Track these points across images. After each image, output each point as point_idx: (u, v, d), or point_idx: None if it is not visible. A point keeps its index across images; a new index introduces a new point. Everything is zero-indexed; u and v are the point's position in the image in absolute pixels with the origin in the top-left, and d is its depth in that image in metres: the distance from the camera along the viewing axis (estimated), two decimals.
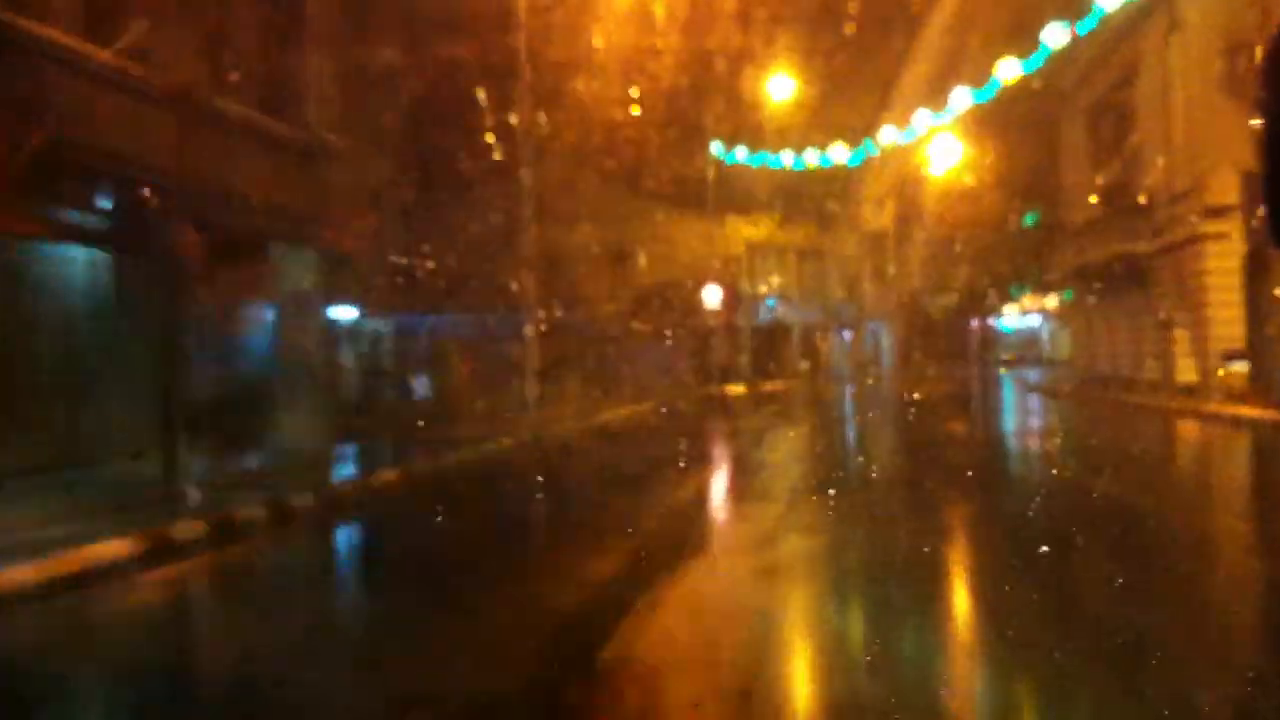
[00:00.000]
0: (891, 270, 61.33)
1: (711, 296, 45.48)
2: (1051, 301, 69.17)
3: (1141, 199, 32.99)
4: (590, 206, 47.45)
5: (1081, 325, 39.94)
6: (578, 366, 39.19)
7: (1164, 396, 28.95)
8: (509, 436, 20.58)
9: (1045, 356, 69.97)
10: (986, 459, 17.75)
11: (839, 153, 38.15)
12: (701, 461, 18.53)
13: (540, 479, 16.47)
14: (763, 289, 50.13)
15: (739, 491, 14.67)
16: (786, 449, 20.37)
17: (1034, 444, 20.71)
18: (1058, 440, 21.42)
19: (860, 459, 18.29)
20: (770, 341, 51.01)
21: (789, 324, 52.00)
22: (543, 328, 28.52)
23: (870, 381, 51.26)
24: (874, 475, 15.73)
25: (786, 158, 39.51)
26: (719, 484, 15.89)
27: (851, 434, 24.45)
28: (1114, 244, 34.29)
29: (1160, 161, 31.07)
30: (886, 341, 61.15)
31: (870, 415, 30.21)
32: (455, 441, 19.16)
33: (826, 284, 55.42)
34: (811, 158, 37.68)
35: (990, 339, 67.12)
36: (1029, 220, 58.77)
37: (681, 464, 17.57)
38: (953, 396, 39.82)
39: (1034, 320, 70.28)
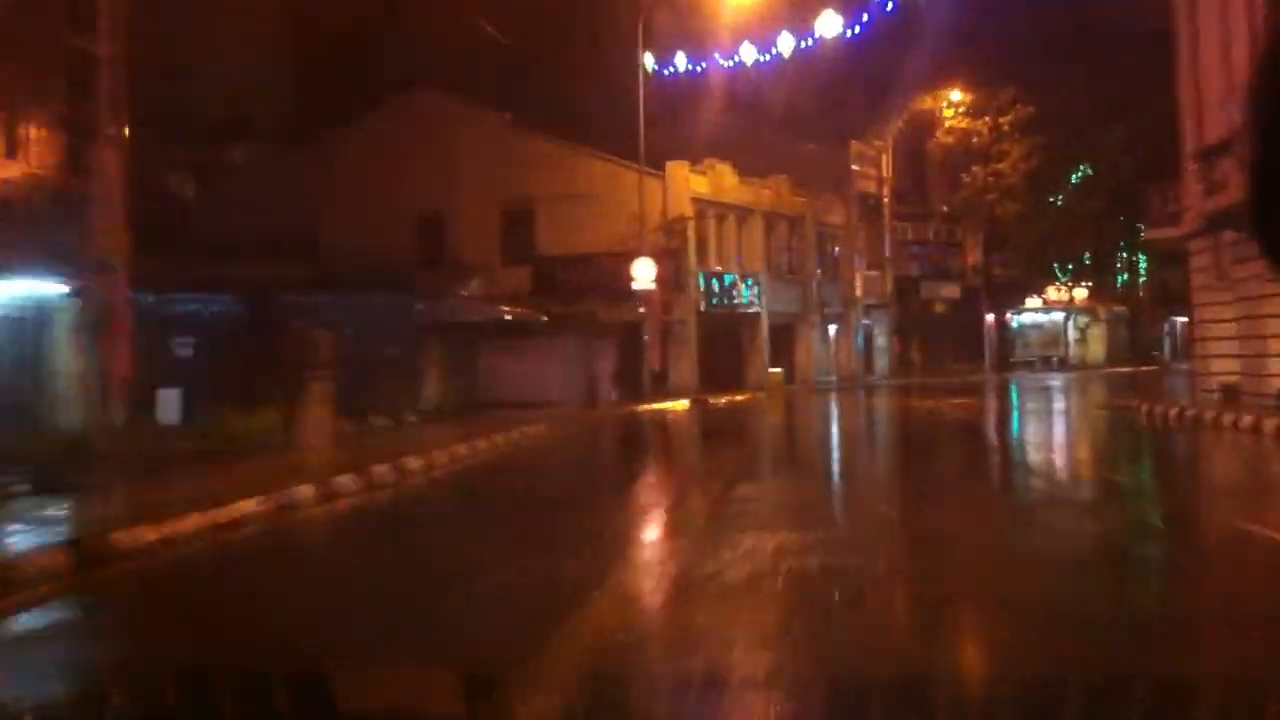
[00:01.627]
0: (889, 248, 48.09)
1: (643, 273, 32.08)
2: (1081, 292, 56.11)
3: None
4: (470, 149, 34.14)
5: (1219, 307, 26.65)
6: (436, 373, 25.73)
7: None
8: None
9: (1068, 358, 56.90)
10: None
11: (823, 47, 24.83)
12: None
13: None
14: (717, 266, 36.65)
15: None
16: (738, 580, 7.16)
17: None
18: None
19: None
20: (728, 338, 37.57)
21: (753, 314, 38.55)
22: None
23: (864, 396, 37.98)
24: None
25: (746, 53, 26.16)
26: None
27: (866, 534, 10.89)
28: None
29: None
30: (882, 339, 47.81)
31: (887, 476, 16.92)
32: None
33: (806, 261, 42.00)
34: (785, 45, 24.36)
35: (1008, 338, 53.95)
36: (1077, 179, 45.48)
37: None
38: (999, 424, 26.66)
39: (1054, 316, 57.12)
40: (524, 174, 34.24)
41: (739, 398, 34.08)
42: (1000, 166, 45.83)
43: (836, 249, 44.36)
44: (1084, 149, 43.45)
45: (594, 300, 33.26)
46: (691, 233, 34.62)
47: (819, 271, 42.68)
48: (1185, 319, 64.74)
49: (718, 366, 36.57)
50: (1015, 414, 30.04)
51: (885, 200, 47.53)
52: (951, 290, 54.11)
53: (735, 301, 37.18)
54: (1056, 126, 44.07)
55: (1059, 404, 32.65)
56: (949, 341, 53.81)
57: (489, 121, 34.72)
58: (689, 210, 34.56)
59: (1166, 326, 61.40)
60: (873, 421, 29.19)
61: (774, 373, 37.19)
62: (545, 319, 29.91)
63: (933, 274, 53.80)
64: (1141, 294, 57.18)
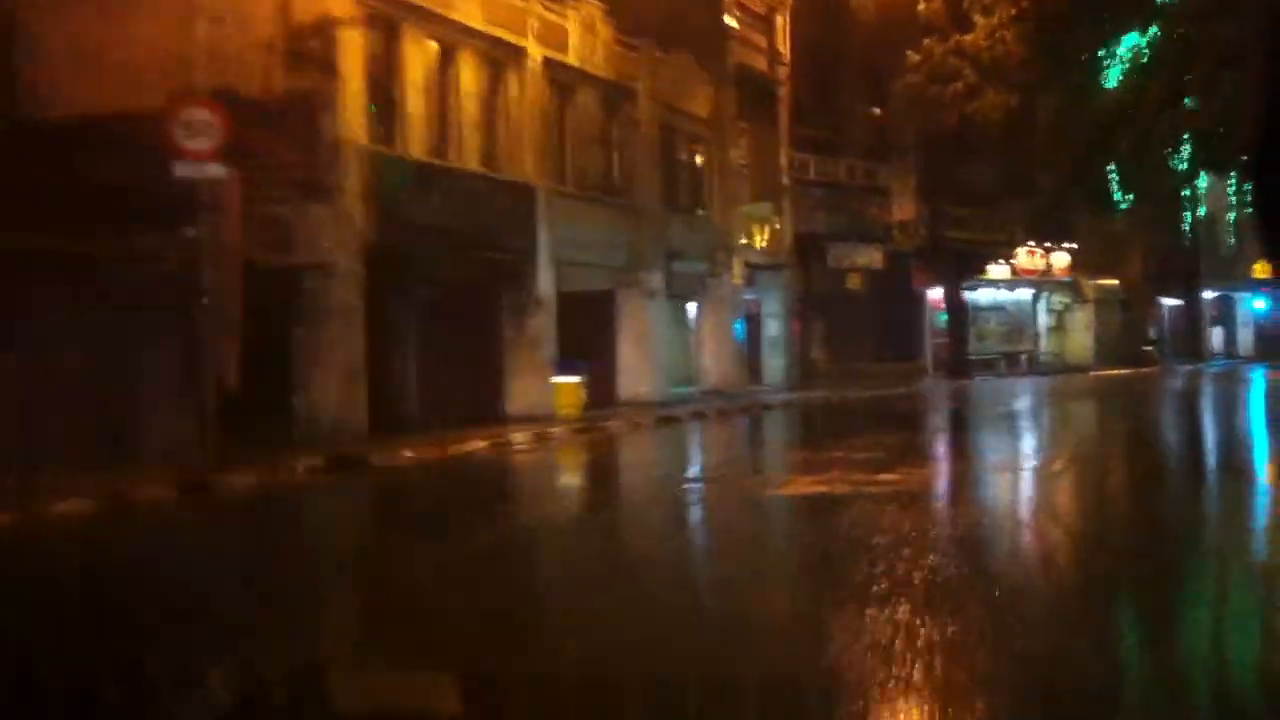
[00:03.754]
0: (785, 172, 29.36)
1: (199, 140, 12.32)
2: (1061, 259, 38.14)
3: None
4: None
5: None
6: None
7: None
8: None
9: (1038, 354, 38.97)
10: None
11: None
12: None
13: None
14: (421, 152, 16.88)
15: None
16: None
17: None
18: None
19: None
20: (457, 316, 18.12)
21: (517, 268, 18.90)
22: None
23: (733, 438, 18.93)
24: None
25: None
26: None
27: None
28: None
29: None
30: (775, 326, 28.73)
31: None
32: None
33: (640, 177, 22.73)
34: None
35: (960, 326, 35.48)
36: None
37: None
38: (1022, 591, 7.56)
39: (1021, 294, 39.00)
40: None
41: (466, 448, 14.82)
42: (970, 39, 27.24)
43: (698, 159, 25.20)
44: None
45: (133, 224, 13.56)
46: (353, 60, 15.11)
47: (666, 202, 23.52)
48: (1181, 301, 48.42)
49: (439, 375, 17.19)
50: (1034, 516, 11.34)
51: (781, 91, 28.64)
52: (872, 256, 35.54)
53: (474, 237, 17.65)
54: None
55: (1121, 475, 13.78)
56: (868, 331, 35.39)
57: None
58: (347, 8, 14.96)
59: (1161, 313, 44.14)
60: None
61: (564, 386, 17.98)
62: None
63: (846, 232, 35.14)
64: (1142, 268, 39.65)
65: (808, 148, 33.01)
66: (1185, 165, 21.24)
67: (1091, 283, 38.66)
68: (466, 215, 17.16)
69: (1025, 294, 38.56)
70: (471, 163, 17.59)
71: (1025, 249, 36.29)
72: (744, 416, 21.43)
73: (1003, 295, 37.92)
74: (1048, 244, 36.89)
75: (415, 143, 16.40)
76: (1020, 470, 13.08)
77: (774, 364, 27.71)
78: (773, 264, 28.07)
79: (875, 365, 34.72)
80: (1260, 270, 46.96)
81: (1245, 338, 47.18)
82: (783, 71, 28.40)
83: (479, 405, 17.83)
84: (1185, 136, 19.93)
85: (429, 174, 16.66)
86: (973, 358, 36.04)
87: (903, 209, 36.70)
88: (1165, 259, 40.71)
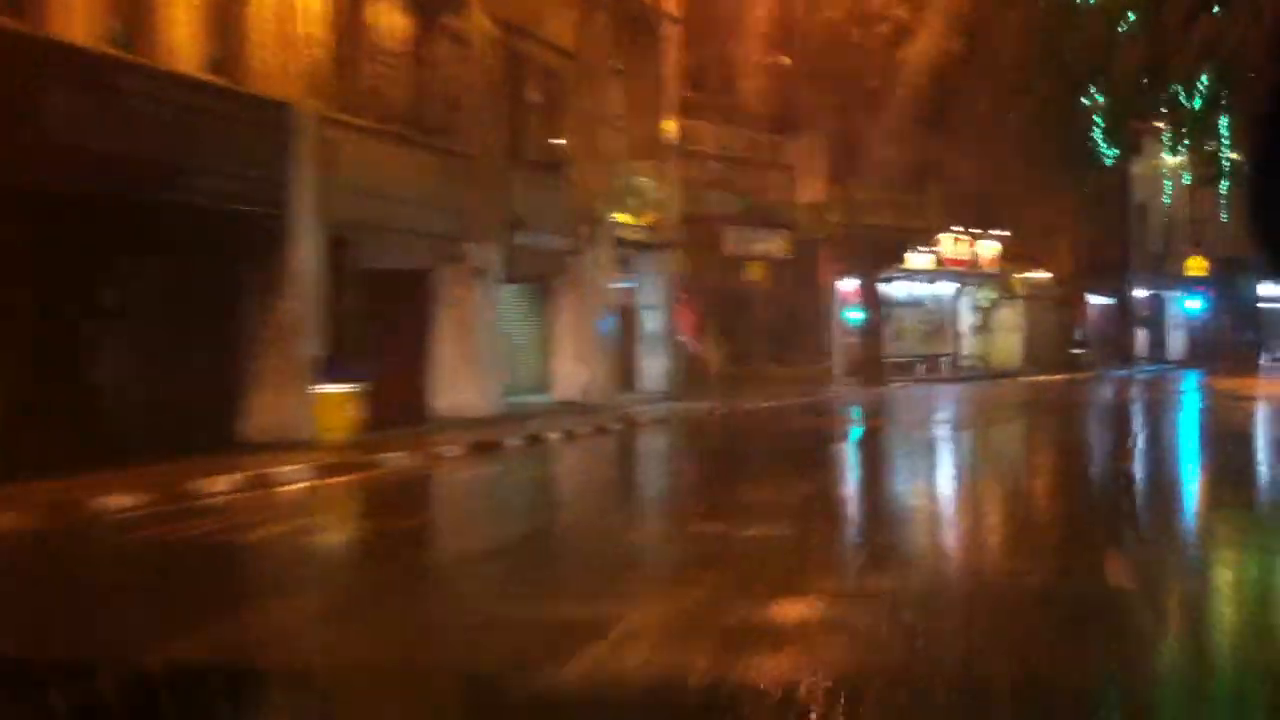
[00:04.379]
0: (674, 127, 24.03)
1: None
2: (990, 248, 33.48)
3: None
4: None
5: None
6: None
7: None
8: None
9: (959, 357, 34.33)
10: None
11: None
12: None
13: None
14: (75, 26, 10.91)
15: None
16: None
17: None
18: None
19: None
20: (190, 288, 12.17)
21: (267, 226, 12.96)
22: None
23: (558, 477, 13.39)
24: None
25: None
26: None
27: None
28: None
29: None
30: (654, 319, 23.08)
31: None
32: None
33: (470, 118, 16.97)
34: None
35: (875, 325, 30.41)
36: None
37: None
38: None
39: (942, 288, 34.27)
40: None
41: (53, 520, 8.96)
42: None
43: (555, 102, 19.53)
44: None
45: None
46: None
47: (509, 154, 17.84)
48: (1111, 300, 43.96)
49: (139, 386, 11.32)
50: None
51: (667, 30, 23.19)
52: (776, 243, 30.42)
53: (184, 176, 11.75)
54: None
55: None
56: (771, 329, 30.32)
57: None
58: None
59: (1090, 313, 39.89)
60: None
61: (329, 399, 12.30)
62: None
63: (745, 215, 29.86)
64: (1074, 261, 35.23)
65: (702, 115, 27.75)
66: (1200, 101, 16.12)
67: (1021, 277, 34.07)
68: (175, 144, 11.30)
69: (948, 288, 33.76)
70: (185, 62, 11.70)
71: (951, 235, 31.47)
72: (597, 441, 15.89)
73: (922, 289, 33.07)
74: (975, 230, 32.17)
75: (77, 22, 10.49)
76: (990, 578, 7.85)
77: (652, 367, 22.22)
78: (653, 243, 22.59)
79: (778, 368, 29.69)
80: (1193, 267, 43.12)
81: (1176, 341, 43.25)
82: (671, 4, 22.93)
83: (204, 426, 12.03)
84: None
85: (109, 74, 10.77)
86: (888, 360, 31.11)
87: (810, 189, 31.68)
88: (1096, 252, 36.35)
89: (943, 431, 18.10)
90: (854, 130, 30.16)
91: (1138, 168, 42.15)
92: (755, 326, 30.49)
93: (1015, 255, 33.48)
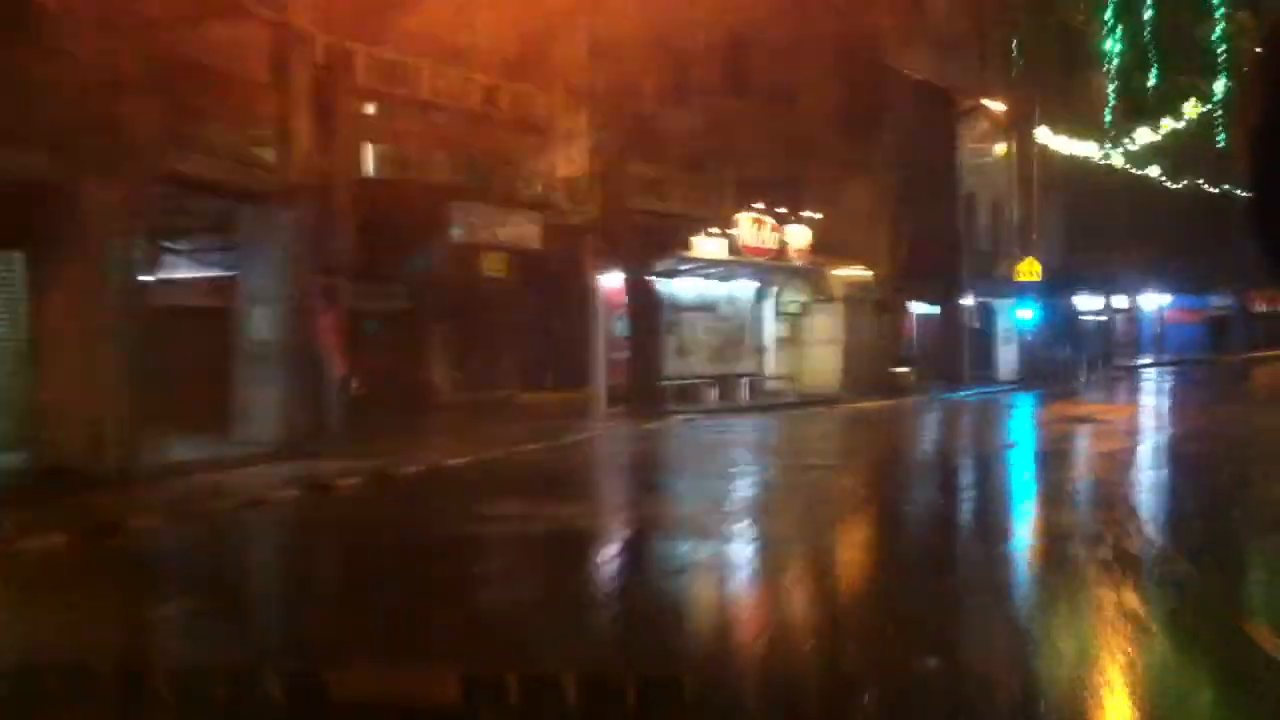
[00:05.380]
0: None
1: None
2: (800, 235, 25.92)
3: None
4: None
5: None
6: None
7: None
8: None
9: (762, 378, 26.68)
10: None
11: None
12: None
13: None
14: None
15: None
16: None
17: None
18: None
19: None
20: None
21: None
22: None
23: None
24: None
25: None
26: None
27: None
28: None
29: None
30: (267, 327, 14.06)
31: None
32: None
33: None
34: None
35: (655, 333, 22.28)
36: None
37: None
38: None
39: (739, 288, 26.55)
40: None
41: None
42: None
43: None
44: None
45: None
46: None
47: None
48: (937, 308, 36.66)
49: None
50: None
51: None
52: (525, 229, 22.09)
53: None
54: None
55: None
56: (521, 342, 22.02)
57: None
58: None
59: (917, 322, 33.16)
60: None
61: None
62: None
63: (482, 191, 21.41)
64: (895, 257, 28.18)
65: (419, 50, 19.30)
66: None
67: (839, 274, 26.73)
68: None
69: (748, 287, 26.08)
70: None
71: (750, 215, 23.76)
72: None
73: (717, 289, 25.25)
74: (782, 210, 24.60)
75: None
76: None
77: (260, 401, 13.31)
78: (261, 194, 13.71)
79: (531, 395, 21.59)
80: (1025, 272, 37.06)
81: (1007, 357, 37.06)
82: None
83: None
84: None
85: None
86: (670, 383, 23.17)
87: (572, 161, 23.56)
88: (921, 251, 29.48)
89: (736, 553, 9.51)
90: (628, 88, 22.42)
91: (970, 148, 36.05)
92: (502, 338, 22.16)
93: (830, 247, 26.14)
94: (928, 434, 21.31)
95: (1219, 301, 56.09)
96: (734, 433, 19.47)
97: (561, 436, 17.19)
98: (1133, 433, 19.63)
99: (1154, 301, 52.09)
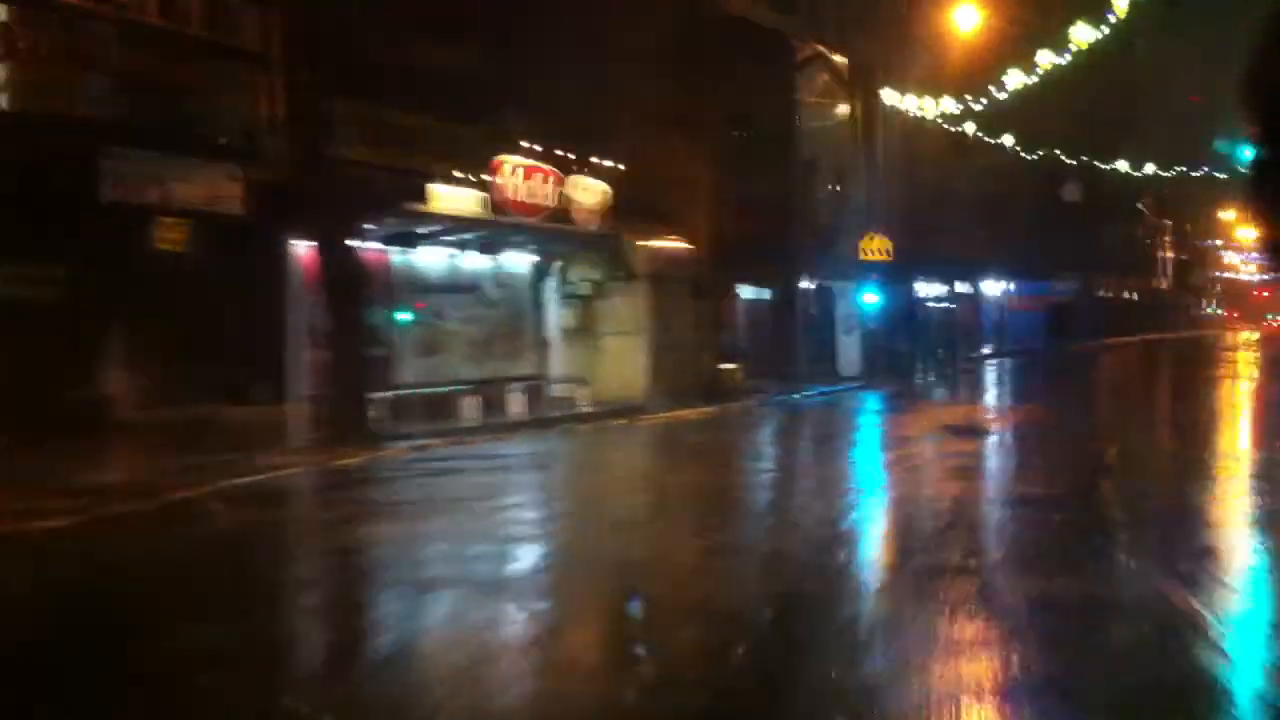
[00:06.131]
0: None
1: None
2: (592, 190, 19.46)
3: None
4: None
5: None
6: None
7: None
8: None
9: (546, 382, 20.10)
10: None
11: None
12: None
13: None
14: None
15: None
16: None
17: None
18: None
19: None
20: None
21: None
22: None
23: None
24: None
25: None
26: None
27: None
28: None
29: None
30: None
31: None
32: None
33: None
34: None
35: (355, 320, 15.58)
36: None
37: None
38: None
39: (512, 261, 19.87)
40: None
41: None
42: None
43: None
44: None
45: None
46: None
47: None
48: (770, 292, 28.83)
49: None
50: None
51: None
52: (218, 187, 15.18)
53: None
54: None
55: None
56: (216, 338, 14.96)
57: None
58: None
59: (744, 308, 27.38)
60: None
61: None
62: None
63: (154, 132, 14.41)
64: (718, 228, 22.25)
65: None
66: None
67: (645, 244, 20.43)
68: None
69: (523, 261, 19.53)
70: None
71: (517, 160, 17.17)
72: None
73: (478, 263, 18.60)
74: (567, 153, 18.12)
75: None
76: None
77: None
78: None
79: (235, 410, 14.95)
80: (873, 250, 31.67)
81: (849, 349, 31.59)
82: None
83: None
84: None
85: None
86: (404, 393, 16.48)
87: (277, 100, 16.83)
88: (747, 222, 23.55)
89: None
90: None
91: (810, 104, 30.50)
92: (195, 337, 15.17)
93: (634, 211, 19.87)
94: (763, 462, 15.29)
95: (1062, 287, 52.76)
96: (479, 471, 12.93)
97: (205, 482, 10.44)
98: (1034, 454, 14.01)
99: (996, 287, 48.01)
